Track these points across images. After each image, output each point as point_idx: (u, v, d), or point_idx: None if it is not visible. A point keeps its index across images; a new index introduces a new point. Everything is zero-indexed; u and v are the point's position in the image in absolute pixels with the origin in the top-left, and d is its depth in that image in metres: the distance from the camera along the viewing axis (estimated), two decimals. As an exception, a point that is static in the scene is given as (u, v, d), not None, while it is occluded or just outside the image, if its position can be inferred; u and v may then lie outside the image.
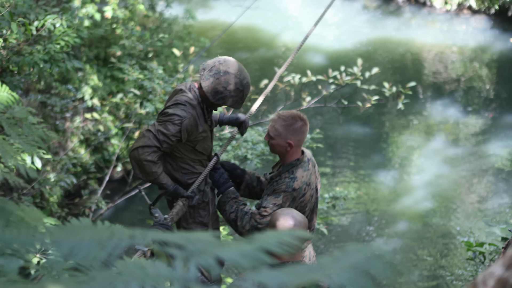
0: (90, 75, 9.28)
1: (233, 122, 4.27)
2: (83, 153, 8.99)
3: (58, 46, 5.63)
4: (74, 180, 7.67)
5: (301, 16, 17.17)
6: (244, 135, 6.46)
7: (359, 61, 7.76)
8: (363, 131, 11.74)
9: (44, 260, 3.27)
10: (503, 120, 11.99)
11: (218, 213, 4.24)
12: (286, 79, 7.77)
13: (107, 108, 9.38)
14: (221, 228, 5.37)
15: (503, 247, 4.26)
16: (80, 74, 9.28)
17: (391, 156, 10.98)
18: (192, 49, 9.37)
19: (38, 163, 5.02)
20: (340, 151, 11.10)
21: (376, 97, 7.80)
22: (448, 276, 8.04)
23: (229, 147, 6.88)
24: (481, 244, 5.43)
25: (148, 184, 6.01)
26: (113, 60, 9.02)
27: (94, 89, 9.26)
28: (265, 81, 7.56)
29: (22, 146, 3.70)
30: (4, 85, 4.34)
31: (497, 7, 16.40)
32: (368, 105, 7.81)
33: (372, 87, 7.96)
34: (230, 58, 3.99)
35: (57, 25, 5.77)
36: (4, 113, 3.86)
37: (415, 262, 8.38)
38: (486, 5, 16.54)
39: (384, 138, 11.55)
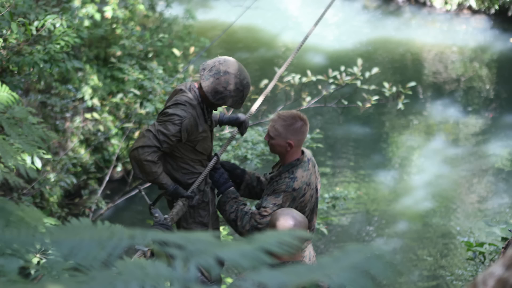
0: (90, 75, 9.28)
1: (233, 122, 4.27)
2: (83, 153, 8.99)
3: (58, 46, 5.63)
4: (74, 180, 7.67)
5: (301, 16, 17.17)
6: (244, 135, 6.46)
7: (359, 61, 7.76)
8: (363, 131, 11.74)
9: (44, 260, 3.27)
10: (503, 120, 11.99)
11: (218, 213, 4.24)
12: (286, 79, 7.77)
13: (107, 108, 9.38)
14: (221, 228, 5.37)
15: (503, 247, 4.26)
16: (80, 74, 9.28)
17: (391, 156, 10.98)
18: (192, 49, 9.37)
19: (38, 163, 5.02)
20: (340, 151, 11.09)
21: (376, 97, 7.80)
22: (448, 276, 8.04)
23: (229, 147, 6.88)
24: (481, 244, 5.43)
25: (148, 184, 6.01)
26: (113, 60, 9.02)
27: (94, 89, 9.26)
28: (265, 81, 7.56)
29: (22, 146, 3.70)
30: (4, 85, 4.34)
31: (497, 7, 16.40)
32: (368, 105, 7.81)
33: (372, 87, 7.96)
34: (230, 58, 3.99)
35: (57, 25, 5.77)
36: (4, 113, 3.86)
37: (415, 262, 8.38)
38: (486, 5, 16.54)
39: (384, 138, 11.55)
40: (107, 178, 8.27)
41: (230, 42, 14.78)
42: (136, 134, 8.43)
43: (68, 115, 9.08)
